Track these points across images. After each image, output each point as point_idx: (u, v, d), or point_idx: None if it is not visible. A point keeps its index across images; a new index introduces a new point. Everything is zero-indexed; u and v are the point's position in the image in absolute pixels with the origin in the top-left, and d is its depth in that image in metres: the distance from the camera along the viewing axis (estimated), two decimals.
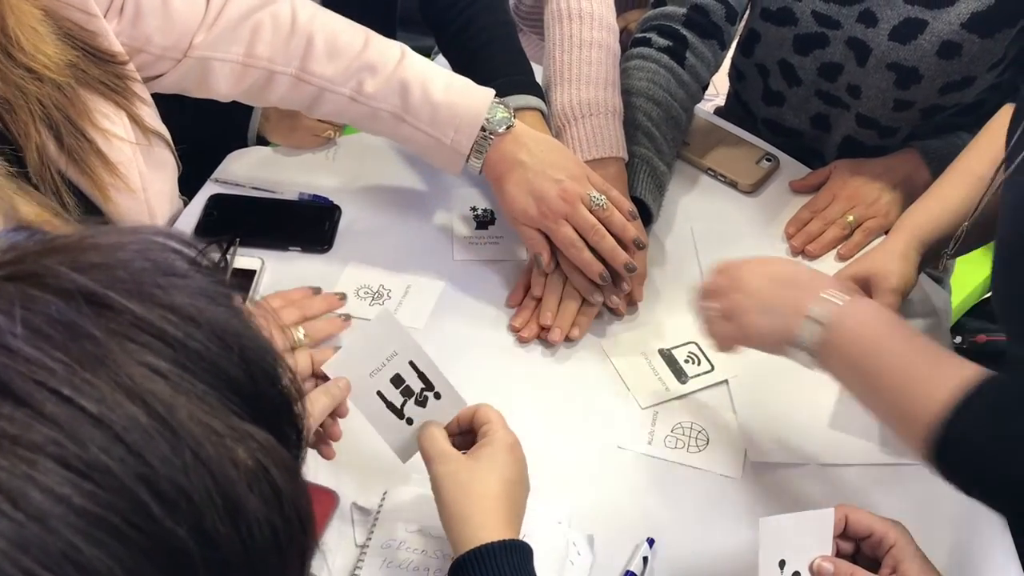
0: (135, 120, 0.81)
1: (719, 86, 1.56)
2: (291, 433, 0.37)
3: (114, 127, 0.78)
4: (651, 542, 0.79)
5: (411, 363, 0.73)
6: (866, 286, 0.92)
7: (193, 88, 0.90)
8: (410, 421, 0.74)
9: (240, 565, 0.32)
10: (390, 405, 0.73)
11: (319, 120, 1.05)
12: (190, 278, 0.35)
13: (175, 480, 0.30)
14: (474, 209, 1.05)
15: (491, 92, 0.92)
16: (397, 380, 0.73)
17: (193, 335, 0.33)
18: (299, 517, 0.35)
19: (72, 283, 0.32)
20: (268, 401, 0.36)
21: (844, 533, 0.71)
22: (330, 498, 0.80)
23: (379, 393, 0.73)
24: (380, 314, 0.73)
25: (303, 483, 0.36)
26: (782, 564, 0.70)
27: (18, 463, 0.28)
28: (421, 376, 0.73)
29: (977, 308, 1.33)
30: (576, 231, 0.90)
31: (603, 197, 0.91)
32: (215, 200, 1.04)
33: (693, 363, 0.94)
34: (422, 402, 0.74)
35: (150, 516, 0.30)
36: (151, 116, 0.84)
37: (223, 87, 0.90)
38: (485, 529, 0.67)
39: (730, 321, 0.78)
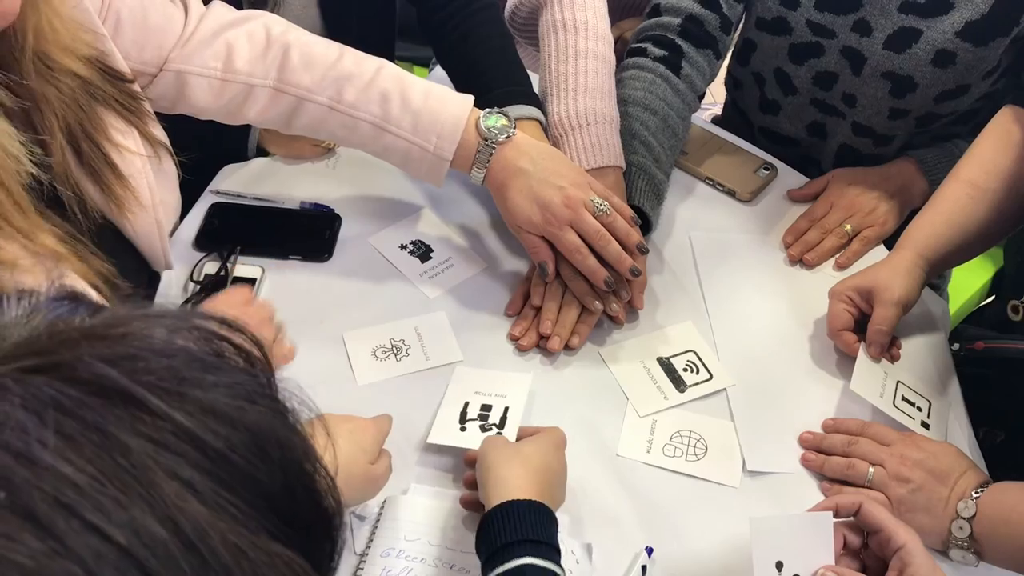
0: (145, 137, 0.82)
1: (716, 95, 1.57)
2: (326, 545, 0.36)
3: (126, 141, 0.79)
4: (650, 551, 0.79)
5: (506, 408, 0.86)
6: (869, 297, 0.93)
7: (171, 104, 0.90)
8: (463, 429, 0.85)
9: None
10: (463, 413, 0.87)
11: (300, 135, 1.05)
12: (228, 371, 0.33)
13: None
14: (404, 247, 1.02)
15: (470, 98, 0.93)
16: (486, 407, 0.87)
17: (234, 445, 0.31)
18: None
19: (109, 381, 0.30)
20: (304, 516, 0.34)
21: (853, 524, 0.72)
22: None
23: (466, 403, 0.87)
24: (525, 380, 0.89)
25: None
26: (779, 566, 0.70)
27: None
28: (503, 419, 0.86)
29: (975, 315, 1.33)
30: (581, 237, 0.91)
31: (606, 203, 0.91)
32: (216, 209, 1.05)
33: (692, 372, 0.94)
34: (486, 430, 0.85)
35: None
36: (159, 130, 0.85)
37: (201, 101, 0.90)
38: (521, 491, 0.71)
39: (899, 514, 0.79)
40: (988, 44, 1.02)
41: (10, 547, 0.26)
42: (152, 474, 0.29)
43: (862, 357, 0.91)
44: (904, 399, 0.91)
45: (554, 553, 0.69)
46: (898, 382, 0.92)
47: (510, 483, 0.72)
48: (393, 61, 1.23)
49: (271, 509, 0.32)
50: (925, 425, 0.90)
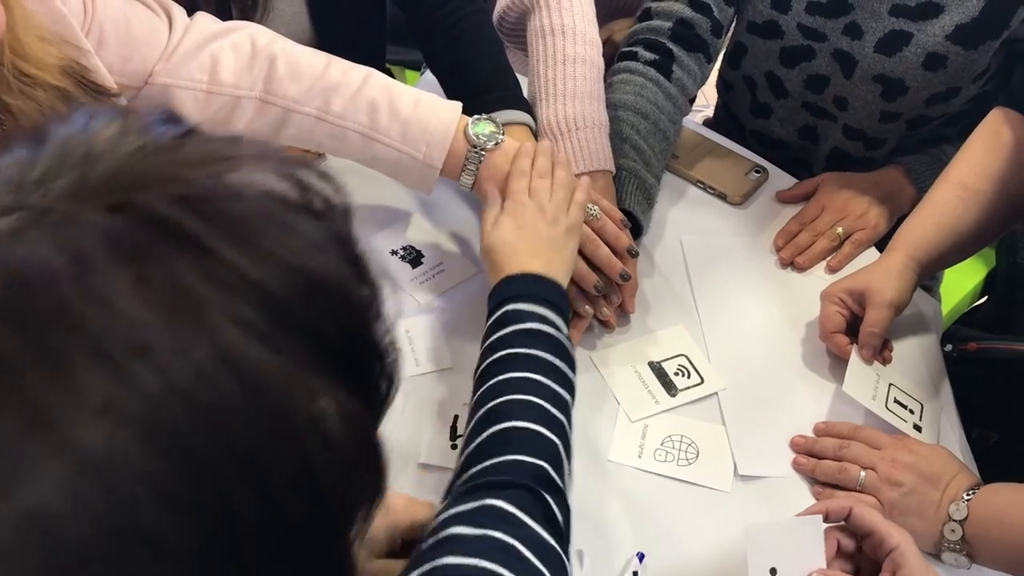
0: None
1: (709, 97, 1.56)
2: (383, 385, 0.38)
3: None
4: (641, 556, 0.79)
5: None
6: (861, 299, 0.93)
7: None
8: (453, 446, 0.85)
9: (302, 528, 0.33)
10: (453, 428, 0.87)
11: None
12: (303, 219, 0.35)
13: (255, 458, 0.31)
14: (395, 252, 1.02)
15: (458, 106, 0.92)
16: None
17: (297, 292, 0.33)
18: (373, 484, 0.36)
19: (179, 225, 0.31)
20: (362, 359, 0.37)
21: (846, 527, 0.72)
22: None
23: (456, 415, 0.87)
24: None
25: (381, 446, 0.37)
26: (773, 572, 0.70)
27: (110, 428, 0.28)
28: None
29: (967, 316, 1.33)
30: None
31: (596, 207, 0.91)
32: None
33: (683, 376, 0.94)
34: None
35: (225, 492, 0.30)
36: None
37: (188, 114, 0.90)
38: (520, 266, 0.82)
39: (891, 518, 0.78)
40: (978, 47, 1.02)
41: (82, 388, 0.28)
42: (216, 319, 0.31)
43: (854, 359, 0.91)
44: (896, 401, 0.91)
45: (539, 302, 0.79)
46: (890, 384, 0.92)
47: (508, 263, 0.82)
48: (384, 66, 1.23)
49: (331, 352, 0.34)
50: (917, 427, 0.90)
